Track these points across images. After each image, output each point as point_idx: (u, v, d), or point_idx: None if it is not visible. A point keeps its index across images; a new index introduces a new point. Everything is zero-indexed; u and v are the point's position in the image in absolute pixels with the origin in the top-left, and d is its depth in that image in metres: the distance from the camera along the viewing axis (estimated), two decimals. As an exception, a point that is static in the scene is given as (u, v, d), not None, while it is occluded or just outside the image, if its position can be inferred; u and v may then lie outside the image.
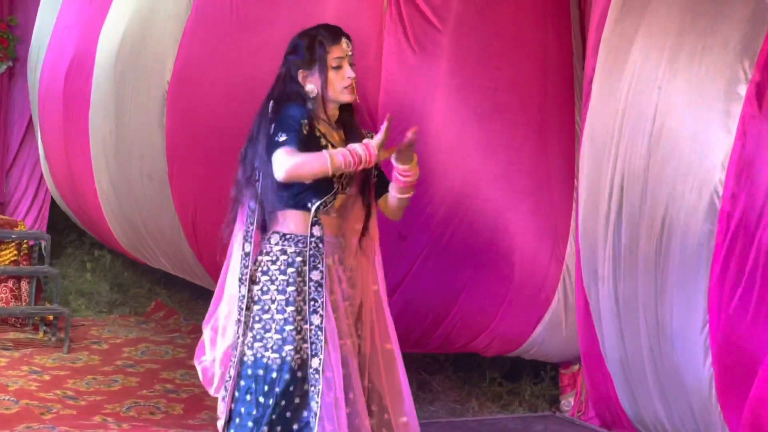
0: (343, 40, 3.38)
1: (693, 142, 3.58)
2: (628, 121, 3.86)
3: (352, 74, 3.32)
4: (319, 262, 3.25)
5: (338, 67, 3.32)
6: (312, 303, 3.22)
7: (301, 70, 3.34)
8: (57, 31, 5.87)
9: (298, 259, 3.26)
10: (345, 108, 3.40)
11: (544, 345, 4.69)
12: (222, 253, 3.43)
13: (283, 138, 3.13)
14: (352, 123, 3.41)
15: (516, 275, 4.47)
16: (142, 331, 6.32)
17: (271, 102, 3.30)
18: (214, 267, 5.32)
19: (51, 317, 6.10)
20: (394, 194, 3.41)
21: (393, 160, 3.33)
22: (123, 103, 5.37)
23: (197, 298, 6.63)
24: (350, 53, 3.38)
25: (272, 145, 3.14)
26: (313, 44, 3.35)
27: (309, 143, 3.18)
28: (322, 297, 3.22)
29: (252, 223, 3.32)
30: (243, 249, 3.32)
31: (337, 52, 3.34)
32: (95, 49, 5.39)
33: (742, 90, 3.43)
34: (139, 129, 5.30)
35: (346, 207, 3.37)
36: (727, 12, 3.55)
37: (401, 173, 3.36)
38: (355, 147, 3.16)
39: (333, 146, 3.26)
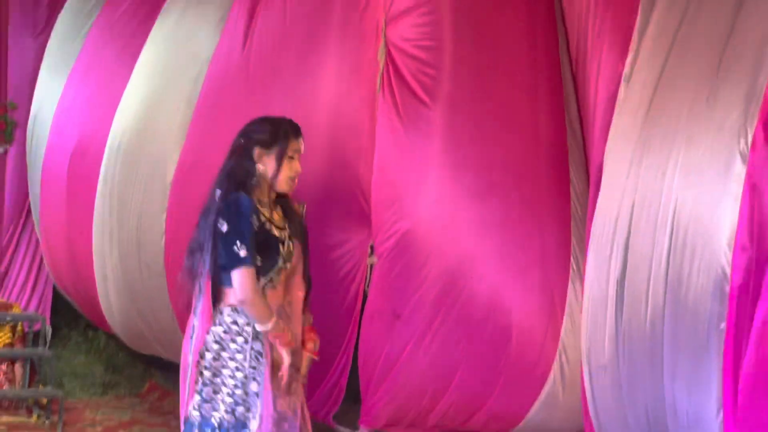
0: (301, 139, 3.82)
1: (698, 224, 3.59)
2: (634, 206, 3.88)
3: (299, 169, 3.78)
4: (261, 333, 3.59)
5: (291, 158, 3.75)
6: (251, 371, 3.58)
7: (258, 148, 3.72)
8: (61, 111, 5.92)
9: (247, 328, 3.59)
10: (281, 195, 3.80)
11: (543, 423, 4.66)
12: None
13: (243, 253, 3.53)
14: (286, 201, 3.81)
15: (512, 352, 4.47)
16: (136, 413, 6.27)
17: (222, 185, 3.67)
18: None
19: (45, 400, 6.05)
20: None
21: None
22: (127, 188, 5.39)
23: (192, 379, 6.58)
24: (301, 152, 3.81)
25: (228, 247, 3.53)
26: (278, 131, 3.77)
27: (259, 234, 3.59)
28: (262, 365, 3.57)
29: (199, 300, 3.66)
30: (193, 324, 3.67)
31: (295, 145, 3.78)
32: (105, 133, 5.43)
33: (741, 170, 3.46)
34: (141, 216, 5.32)
35: (290, 278, 3.74)
36: (721, 95, 3.61)
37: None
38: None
39: (276, 227, 3.68)
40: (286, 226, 3.74)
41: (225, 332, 3.61)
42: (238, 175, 3.68)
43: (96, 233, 5.49)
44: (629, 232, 3.88)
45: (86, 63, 5.82)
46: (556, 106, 4.57)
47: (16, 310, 6.32)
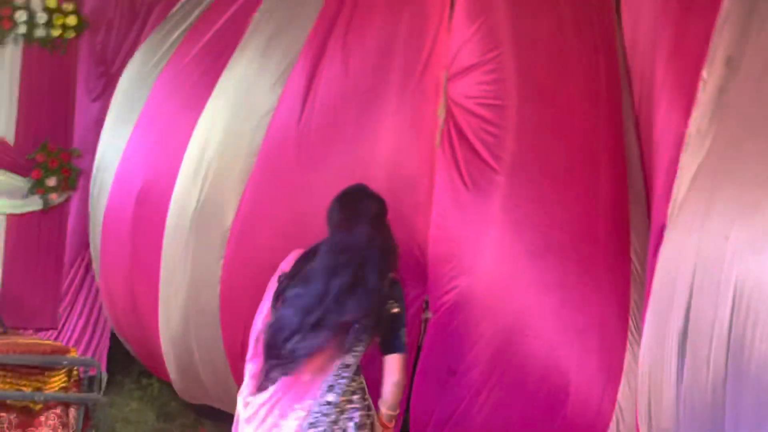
0: None
1: (761, 292, 3.53)
2: (696, 269, 3.83)
3: None
4: None
5: None
6: None
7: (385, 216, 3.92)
8: (126, 159, 6.01)
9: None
10: None
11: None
12: None
13: (404, 338, 3.70)
14: None
15: (567, 414, 4.41)
16: (186, 462, 6.28)
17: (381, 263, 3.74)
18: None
19: (97, 445, 6.08)
20: None
21: None
22: (188, 236, 5.46)
23: (243, 430, 6.58)
24: None
25: (400, 331, 3.70)
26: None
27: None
28: None
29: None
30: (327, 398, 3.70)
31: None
32: (169, 180, 5.51)
33: None
34: (199, 263, 5.37)
35: None
36: None
37: None
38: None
39: None
40: None
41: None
42: (392, 253, 3.79)
43: (162, 279, 5.54)
44: (690, 295, 3.82)
45: (151, 112, 5.92)
46: (617, 165, 4.54)
47: (73, 355, 6.37)
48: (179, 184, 5.47)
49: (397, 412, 3.68)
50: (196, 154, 5.46)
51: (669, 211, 4.03)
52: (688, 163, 3.98)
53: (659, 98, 4.26)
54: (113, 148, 6.16)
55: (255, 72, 5.41)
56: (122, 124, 6.14)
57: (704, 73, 3.98)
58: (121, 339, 6.76)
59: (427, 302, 4.80)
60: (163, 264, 5.53)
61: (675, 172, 4.03)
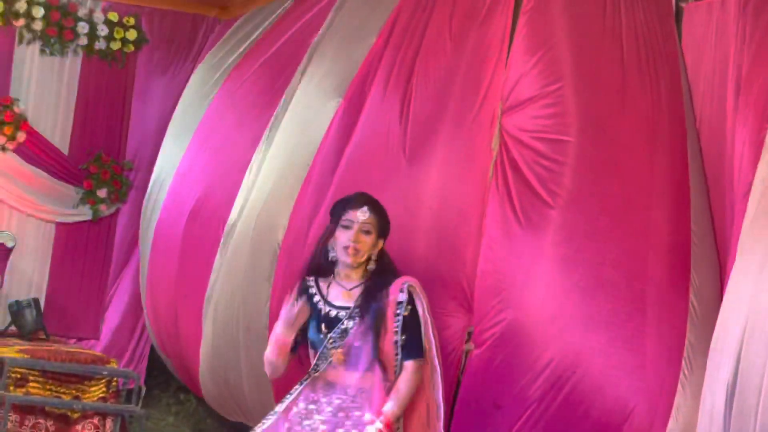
0: (364, 209, 3.84)
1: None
2: (749, 315, 3.77)
3: (355, 239, 3.80)
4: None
5: (346, 228, 3.81)
6: None
7: (330, 225, 3.92)
8: (180, 175, 6.05)
9: None
10: (378, 273, 3.87)
11: None
12: None
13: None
14: (376, 285, 3.86)
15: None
16: (219, 479, 6.27)
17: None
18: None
19: (132, 457, 6.10)
20: None
21: None
22: (236, 255, 5.47)
23: (276, 451, 6.56)
24: (366, 222, 3.83)
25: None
26: (338, 204, 3.93)
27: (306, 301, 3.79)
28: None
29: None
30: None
31: (352, 215, 3.82)
32: (221, 197, 5.54)
33: None
34: (249, 283, 5.38)
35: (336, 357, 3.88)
36: None
37: None
38: None
39: (328, 304, 3.83)
40: (354, 305, 3.80)
41: None
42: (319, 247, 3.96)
43: (208, 296, 5.56)
44: (741, 343, 3.76)
45: (207, 130, 5.97)
46: (678, 203, 4.47)
47: (113, 365, 6.41)
48: (236, 204, 5.50)
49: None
50: (253, 174, 5.49)
51: (737, 251, 3.95)
52: (757, 203, 3.90)
53: (730, 132, 4.18)
54: (170, 164, 6.21)
55: (313, 95, 5.44)
56: (180, 141, 6.21)
57: None
58: (161, 354, 6.79)
59: (470, 334, 4.77)
60: (211, 280, 5.55)
61: (744, 210, 3.95)
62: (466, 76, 4.93)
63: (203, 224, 5.60)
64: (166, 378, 7.65)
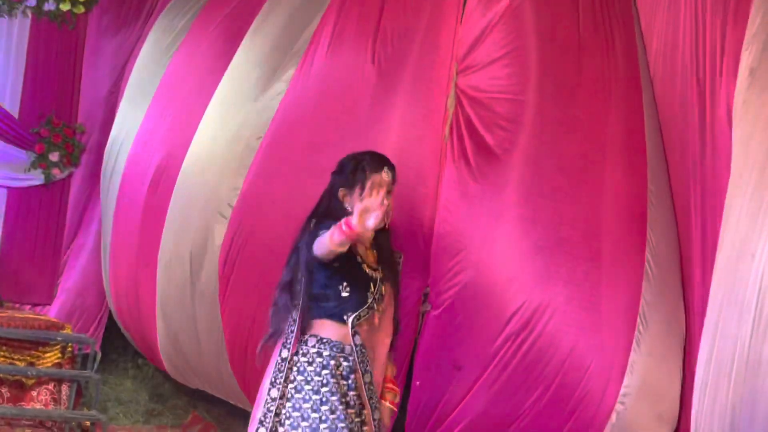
0: (385, 170, 3.73)
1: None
2: (724, 291, 3.76)
3: (385, 201, 3.50)
4: (365, 367, 3.52)
5: (371, 188, 3.60)
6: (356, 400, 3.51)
7: (341, 189, 3.71)
8: (139, 143, 5.96)
9: (332, 362, 3.46)
10: (381, 231, 3.68)
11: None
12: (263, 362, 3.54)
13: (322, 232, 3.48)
14: (385, 246, 3.75)
15: (570, 408, 4.39)
16: (177, 444, 6.26)
17: (314, 220, 3.65)
18: (256, 390, 5.30)
19: (88, 423, 6.05)
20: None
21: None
22: (187, 218, 5.41)
23: (235, 414, 6.56)
24: (390, 182, 3.70)
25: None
26: (357, 168, 3.73)
27: (348, 265, 3.52)
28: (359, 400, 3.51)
29: (292, 332, 3.46)
30: (280, 355, 3.44)
31: (377, 178, 3.68)
32: (180, 164, 5.46)
33: None
34: (200, 245, 5.33)
35: (379, 322, 3.65)
36: None
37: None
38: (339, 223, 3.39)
39: (368, 267, 3.61)
40: (380, 269, 3.66)
41: (308, 363, 3.50)
42: (328, 213, 3.66)
43: (160, 263, 5.51)
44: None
45: (166, 95, 5.87)
46: (635, 162, 4.49)
47: (68, 331, 6.34)
48: (183, 170, 5.43)
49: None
50: (201, 140, 5.42)
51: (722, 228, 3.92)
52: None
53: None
54: (128, 128, 6.12)
55: (266, 54, 5.37)
56: (136, 105, 6.10)
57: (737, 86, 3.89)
58: (120, 324, 6.73)
59: (425, 295, 4.78)
60: (161, 247, 5.49)
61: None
62: (424, 38, 4.91)
63: (164, 191, 5.53)
64: (123, 343, 7.59)
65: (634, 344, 4.30)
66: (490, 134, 4.54)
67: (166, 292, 5.53)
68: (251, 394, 5.36)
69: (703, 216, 4.18)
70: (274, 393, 3.49)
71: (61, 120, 7.21)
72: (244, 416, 6.43)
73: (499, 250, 4.44)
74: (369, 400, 3.53)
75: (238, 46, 5.47)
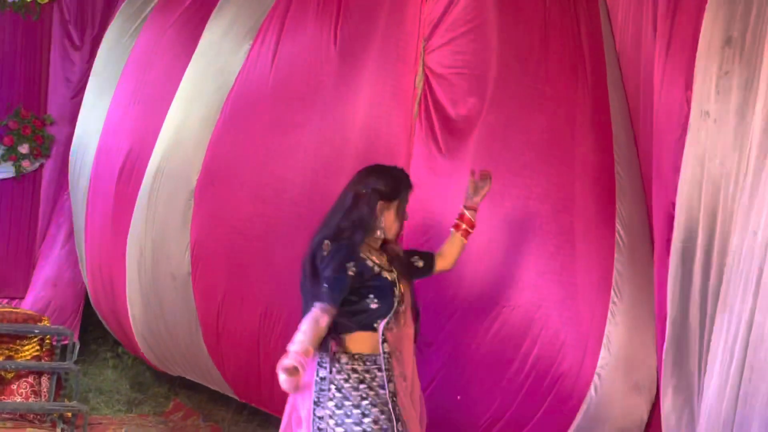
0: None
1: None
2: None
3: (407, 218, 3.69)
4: (392, 375, 3.52)
5: (404, 212, 3.70)
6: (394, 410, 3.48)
7: (381, 201, 3.61)
8: (107, 133, 5.92)
9: (367, 375, 3.51)
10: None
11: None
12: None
13: (324, 288, 3.46)
14: (393, 248, 3.72)
15: (546, 383, 4.41)
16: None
17: (330, 235, 3.56)
18: (231, 370, 5.31)
19: (70, 414, 6.05)
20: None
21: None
22: (155, 205, 5.39)
23: (216, 400, 6.57)
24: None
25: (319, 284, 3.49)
26: (400, 185, 3.71)
27: (369, 278, 3.52)
28: (398, 407, 3.50)
29: (326, 351, 3.50)
30: (318, 374, 3.46)
31: (409, 199, 3.72)
32: (149, 154, 5.43)
33: None
34: (167, 229, 5.31)
35: (404, 318, 3.65)
36: None
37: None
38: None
39: (385, 270, 3.60)
40: (393, 269, 3.66)
41: (345, 380, 3.54)
42: (352, 222, 3.61)
43: (129, 250, 5.49)
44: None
45: (132, 82, 5.84)
46: (601, 135, 4.49)
47: (46, 323, 6.33)
48: (153, 157, 5.41)
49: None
50: (170, 126, 5.40)
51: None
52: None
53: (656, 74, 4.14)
54: (94, 120, 6.08)
55: (222, 34, 5.33)
56: (102, 95, 6.06)
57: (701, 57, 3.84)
58: (99, 314, 6.72)
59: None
60: (130, 233, 5.47)
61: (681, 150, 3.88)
62: (390, 15, 4.88)
63: (135, 179, 5.50)
64: (102, 333, 7.58)
65: (609, 315, 4.32)
66: (456, 110, 4.54)
67: (134, 278, 5.52)
68: (227, 374, 5.36)
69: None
70: (320, 412, 3.51)
71: (29, 111, 7.17)
72: (225, 402, 6.45)
73: (469, 226, 4.43)
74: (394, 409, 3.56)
75: (202, 31, 5.44)
